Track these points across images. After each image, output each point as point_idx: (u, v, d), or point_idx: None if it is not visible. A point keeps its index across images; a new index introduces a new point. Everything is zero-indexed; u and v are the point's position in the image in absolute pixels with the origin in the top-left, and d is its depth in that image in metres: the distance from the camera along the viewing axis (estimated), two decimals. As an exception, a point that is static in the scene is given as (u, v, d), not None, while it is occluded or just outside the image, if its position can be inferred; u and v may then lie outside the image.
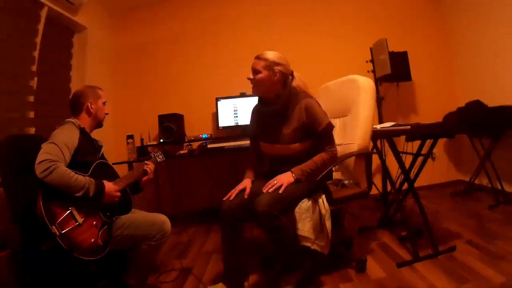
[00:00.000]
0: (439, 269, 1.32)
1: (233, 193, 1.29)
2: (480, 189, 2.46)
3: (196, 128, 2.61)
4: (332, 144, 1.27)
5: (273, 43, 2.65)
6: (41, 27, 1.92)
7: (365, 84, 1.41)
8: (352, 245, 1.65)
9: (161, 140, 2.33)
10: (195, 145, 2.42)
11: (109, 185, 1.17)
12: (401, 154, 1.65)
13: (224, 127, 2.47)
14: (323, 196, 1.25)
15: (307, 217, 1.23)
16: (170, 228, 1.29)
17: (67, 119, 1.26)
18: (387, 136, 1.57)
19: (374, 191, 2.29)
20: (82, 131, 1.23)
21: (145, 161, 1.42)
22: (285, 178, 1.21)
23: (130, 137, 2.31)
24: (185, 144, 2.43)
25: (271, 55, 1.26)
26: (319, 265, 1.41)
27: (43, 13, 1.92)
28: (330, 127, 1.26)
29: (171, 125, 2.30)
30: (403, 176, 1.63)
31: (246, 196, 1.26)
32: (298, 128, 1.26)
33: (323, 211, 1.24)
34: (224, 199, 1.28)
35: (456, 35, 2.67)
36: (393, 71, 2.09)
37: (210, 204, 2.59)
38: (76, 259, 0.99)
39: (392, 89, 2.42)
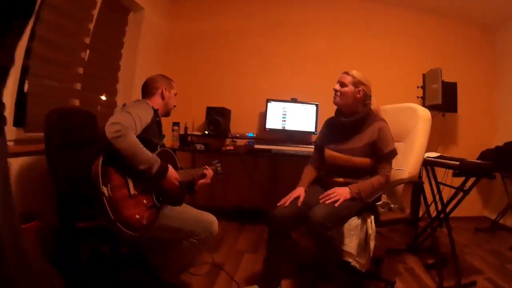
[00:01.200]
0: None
1: (287, 200, 1.34)
2: (503, 228, 2.47)
3: (241, 125, 2.60)
4: (389, 169, 1.34)
5: (330, 54, 2.66)
6: (99, 0, 1.93)
7: (424, 115, 1.46)
8: (381, 264, 1.70)
9: (206, 132, 2.34)
10: (239, 142, 2.43)
11: (172, 170, 1.16)
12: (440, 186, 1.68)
13: (270, 129, 2.48)
14: (372, 217, 1.30)
15: (355, 234, 1.28)
16: (217, 230, 1.25)
17: (140, 99, 1.27)
18: (432, 166, 1.61)
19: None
20: (155, 112, 1.24)
21: (206, 166, 1.43)
22: (343, 193, 1.27)
23: (176, 124, 2.32)
24: (228, 139, 2.43)
25: (358, 74, 1.37)
26: (353, 279, 1.46)
27: None
28: (394, 153, 1.34)
29: (219, 119, 2.31)
30: (437, 205, 1.66)
31: (299, 205, 1.32)
32: (367, 145, 1.34)
33: (370, 231, 1.28)
34: (278, 204, 1.33)
35: (505, 74, 2.66)
36: (442, 102, 2.10)
37: (244, 204, 2.58)
38: (115, 231, 0.96)
39: (438, 118, 2.44)
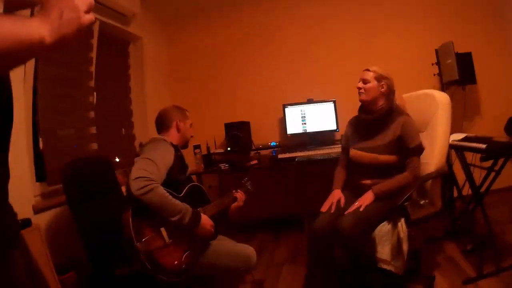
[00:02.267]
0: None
1: (331, 205, 1.33)
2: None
3: (263, 135, 2.56)
4: (418, 165, 1.29)
5: (341, 49, 2.57)
6: (95, 41, 1.94)
7: (443, 100, 1.39)
8: (420, 258, 1.64)
9: (228, 149, 2.33)
10: (263, 152, 2.40)
11: (205, 218, 1.12)
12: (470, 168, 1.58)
13: (292, 134, 2.44)
14: (402, 219, 1.25)
15: (387, 240, 1.24)
16: (255, 262, 1.22)
17: (155, 137, 1.24)
18: (459, 150, 1.51)
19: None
20: (176, 148, 1.21)
21: (236, 189, 1.39)
22: (366, 199, 1.25)
23: (197, 147, 2.30)
24: (252, 152, 2.41)
25: (379, 68, 1.36)
26: (392, 282, 1.42)
27: (95, 27, 1.94)
28: (421, 148, 1.29)
29: (239, 133, 2.29)
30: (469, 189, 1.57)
31: (342, 205, 1.32)
32: (393, 141, 1.30)
33: (401, 235, 1.24)
34: (321, 210, 1.33)
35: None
36: (459, 75, 1.96)
37: (276, 214, 2.55)
38: (158, 280, 0.96)
39: (458, 93, 2.29)
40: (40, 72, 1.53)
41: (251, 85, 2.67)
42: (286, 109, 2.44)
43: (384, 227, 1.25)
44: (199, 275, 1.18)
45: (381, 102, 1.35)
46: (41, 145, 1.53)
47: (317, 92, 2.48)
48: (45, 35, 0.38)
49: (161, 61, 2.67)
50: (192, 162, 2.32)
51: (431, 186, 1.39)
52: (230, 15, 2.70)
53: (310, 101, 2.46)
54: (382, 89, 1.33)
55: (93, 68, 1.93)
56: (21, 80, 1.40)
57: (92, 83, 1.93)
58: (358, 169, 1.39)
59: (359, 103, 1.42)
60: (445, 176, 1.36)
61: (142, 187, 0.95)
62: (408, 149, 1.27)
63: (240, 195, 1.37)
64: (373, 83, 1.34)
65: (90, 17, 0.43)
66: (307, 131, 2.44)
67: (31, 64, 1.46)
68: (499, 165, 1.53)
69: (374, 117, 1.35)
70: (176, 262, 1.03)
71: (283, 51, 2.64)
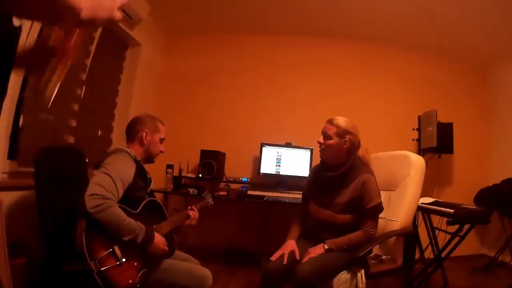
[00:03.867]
0: None
1: (282, 255, 1.27)
2: (502, 265, 2.41)
3: (236, 169, 2.58)
4: (373, 225, 1.28)
5: (325, 97, 2.66)
6: (97, 35, 1.95)
7: (417, 162, 1.43)
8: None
9: (200, 175, 2.32)
10: (233, 185, 2.40)
11: (158, 238, 1.10)
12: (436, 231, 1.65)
13: (264, 174, 2.45)
14: (362, 270, 1.27)
15: (344, 290, 1.25)
16: (211, 285, 1.20)
17: (120, 147, 1.19)
18: (427, 212, 1.58)
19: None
20: (138, 164, 1.16)
21: (190, 206, 1.36)
22: (317, 250, 1.24)
23: (170, 167, 2.30)
24: (222, 183, 2.42)
25: (344, 122, 1.29)
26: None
27: None
28: (379, 208, 1.28)
29: (213, 162, 2.29)
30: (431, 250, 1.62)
31: (297, 257, 1.26)
32: (350, 201, 1.27)
33: (360, 285, 1.25)
34: (271, 259, 1.28)
35: (498, 109, 2.69)
36: (438, 143, 2.10)
37: (235, 246, 2.54)
38: None
39: (434, 160, 2.41)
40: None
41: (234, 118, 2.70)
42: (264, 148, 2.46)
43: (343, 276, 1.25)
44: None
45: (341, 159, 1.29)
46: (20, 123, 1.50)
47: (296, 137, 2.54)
48: (83, 8, 0.43)
49: (153, 72, 2.67)
50: (162, 180, 2.31)
51: (394, 242, 1.43)
52: (228, 44, 2.77)
53: (288, 145, 2.50)
54: (345, 146, 1.27)
55: (88, 62, 1.92)
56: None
57: (84, 76, 1.91)
58: (317, 223, 1.38)
59: None
60: (409, 235, 1.40)
61: (97, 205, 0.93)
62: (364, 209, 1.25)
63: (193, 213, 1.33)
64: (335, 140, 1.27)
65: (119, 14, 0.48)
66: (280, 173, 2.47)
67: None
68: (464, 231, 1.59)
69: (334, 176, 1.29)
70: (130, 281, 1.01)
71: (272, 90, 2.71)
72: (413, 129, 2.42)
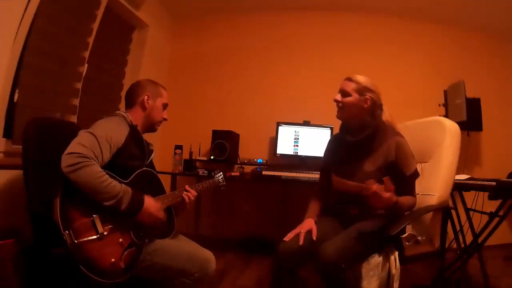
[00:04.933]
0: None
1: (295, 234, 1.12)
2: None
3: (251, 151, 2.44)
4: (414, 193, 1.13)
5: (343, 73, 2.47)
6: (100, 13, 1.86)
7: (452, 128, 1.26)
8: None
9: (212, 157, 2.20)
10: (247, 168, 2.28)
11: (150, 201, 0.96)
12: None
13: (281, 155, 2.32)
14: (396, 253, 1.10)
15: (375, 275, 1.07)
16: (214, 269, 1.07)
17: (117, 111, 1.07)
18: (460, 190, 1.41)
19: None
20: (133, 129, 1.03)
21: (186, 187, 1.15)
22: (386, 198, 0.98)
23: (179, 147, 2.18)
24: (236, 165, 2.30)
25: (364, 79, 1.14)
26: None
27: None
28: (417, 174, 1.13)
29: (225, 143, 2.17)
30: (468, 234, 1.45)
31: (314, 238, 1.10)
32: (382, 168, 1.11)
33: (393, 271, 1.08)
34: (284, 239, 1.12)
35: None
36: (467, 118, 1.92)
37: (252, 234, 2.41)
38: (85, 276, 0.80)
39: (463, 137, 2.22)
40: (35, 29, 1.43)
41: (247, 96, 2.58)
42: (280, 127, 2.33)
43: (373, 260, 1.08)
44: (142, 277, 0.98)
45: (363, 120, 1.14)
46: (15, 98, 1.41)
47: (315, 115, 2.39)
48: None
49: (162, 54, 2.59)
50: (169, 160, 2.19)
51: (430, 222, 1.25)
52: (238, 22, 2.66)
53: (306, 124, 2.36)
54: (366, 105, 1.11)
55: (91, 40, 1.83)
56: (13, 33, 1.31)
57: (86, 54, 1.82)
58: (343, 197, 1.20)
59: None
60: (447, 213, 1.22)
61: (72, 164, 0.81)
62: (405, 177, 1.09)
63: (190, 195, 1.13)
64: (354, 97, 1.12)
65: None
66: (298, 153, 2.32)
67: (28, 19, 1.37)
68: (505, 208, 1.41)
69: (358, 141, 1.14)
70: (113, 260, 0.86)
71: (286, 67, 2.57)
72: (439, 105, 2.24)
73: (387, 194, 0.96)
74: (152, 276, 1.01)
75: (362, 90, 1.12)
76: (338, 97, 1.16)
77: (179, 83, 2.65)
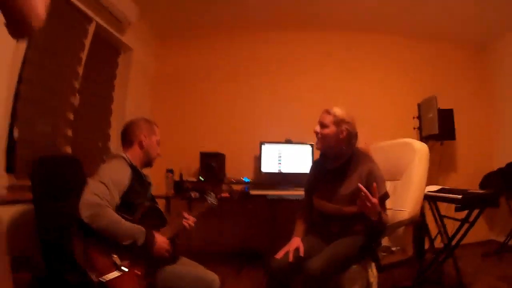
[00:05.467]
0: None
1: (285, 252, 1.24)
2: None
3: (237, 170, 2.54)
4: (385, 211, 1.25)
5: (322, 90, 2.63)
6: (87, 42, 1.91)
7: (421, 149, 1.41)
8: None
9: (200, 178, 2.30)
10: (235, 187, 2.38)
11: (160, 238, 1.08)
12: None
13: (266, 173, 2.41)
14: (373, 264, 1.24)
15: (355, 284, 1.22)
16: None
17: (116, 153, 1.19)
18: (434, 200, 1.56)
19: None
20: (133, 169, 1.14)
21: (184, 215, 1.27)
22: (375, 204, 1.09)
23: (170, 171, 2.26)
24: (224, 185, 2.40)
25: (340, 111, 1.26)
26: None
27: (91, 28, 1.92)
28: (386, 196, 1.25)
29: (213, 164, 2.27)
30: (440, 238, 1.60)
31: (302, 255, 1.22)
32: (356, 191, 1.21)
33: (371, 279, 1.22)
34: (276, 256, 1.24)
35: (499, 90, 2.65)
36: (439, 130, 2.08)
37: (241, 247, 2.50)
38: None
39: (436, 148, 2.39)
40: (28, 60, 1.49)
41: (232, 117, 2.67)
42: (263, 146, 2.43)
43: (353, 269, 1.23)
44: None
45: (340, 149, 1.26)
46: (15, 135, 1.48)
47: (295, 133, 2.51)
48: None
49: (147, 76, 2.64)
50: (162, 184, 2.27)
51: (403, 233, 1.40)
52: (222, 43, 2.74)
53: (288, 142, 2.47)
54: (342, 135, 1.23)
55: (81, 69, 1.88)
56: (8, 65, 1.36)
57: (77, 84, 1.87)
58: (323, 217, 1.33)
59: None
60: (418, 225, 1.38)
61: (91, 215, 0.92)
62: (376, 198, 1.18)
63: (189, 224, 1.25)
64: (331, 129, 1.23)
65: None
66: (282, 171, 2.43)
67: (21, 50, 1.44)
68: (473, 216, 1.56)
69: (335, 168, 1.28)
70: None
71: (268, 87, 2.68)
72: (414, 118, 2.39)
73: (375, 200, 1.09)
74: None
75: (339, 122, 1.24)
76: (318, 128, 1.28)
77: (164, 104, 2.72)
